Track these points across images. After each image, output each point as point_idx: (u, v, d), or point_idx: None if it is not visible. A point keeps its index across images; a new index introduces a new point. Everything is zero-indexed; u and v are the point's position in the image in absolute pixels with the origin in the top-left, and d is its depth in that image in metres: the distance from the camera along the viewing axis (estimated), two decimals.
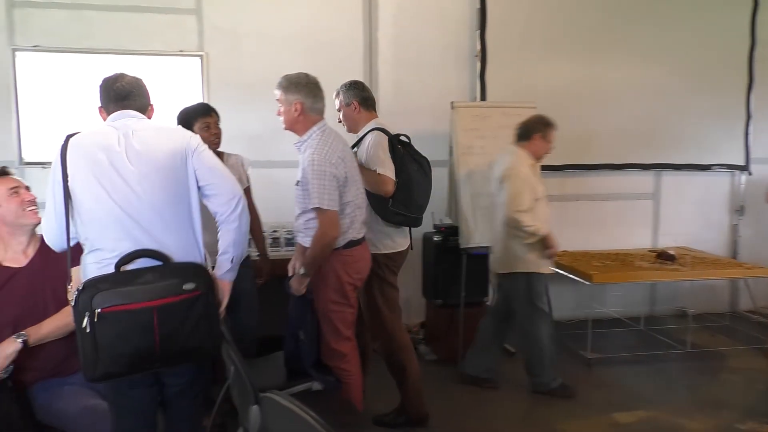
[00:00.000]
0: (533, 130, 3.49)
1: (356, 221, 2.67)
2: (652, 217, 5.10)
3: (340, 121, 3.11)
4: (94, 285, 1.78)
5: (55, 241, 1.94)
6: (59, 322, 2.15)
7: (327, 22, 4.33)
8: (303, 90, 2.57)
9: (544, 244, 3.41)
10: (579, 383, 3.61)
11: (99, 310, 1.76)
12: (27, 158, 3.97)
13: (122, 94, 2.03)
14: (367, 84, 4.36)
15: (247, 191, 3.07)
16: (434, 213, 4.25)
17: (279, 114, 2.63)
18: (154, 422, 2.10)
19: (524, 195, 3.36)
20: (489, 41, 4.55)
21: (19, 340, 2.07)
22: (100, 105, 2.10)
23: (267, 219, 3.40)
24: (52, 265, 2.16)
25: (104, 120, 2.06)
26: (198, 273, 1.90)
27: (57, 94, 3.98)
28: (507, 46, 4.61)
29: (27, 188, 2.25)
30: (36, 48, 3.92)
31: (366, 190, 2.81)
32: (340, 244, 2.62)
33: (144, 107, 2.06)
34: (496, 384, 3.66)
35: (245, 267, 3.00)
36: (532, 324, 3.48)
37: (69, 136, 1.93)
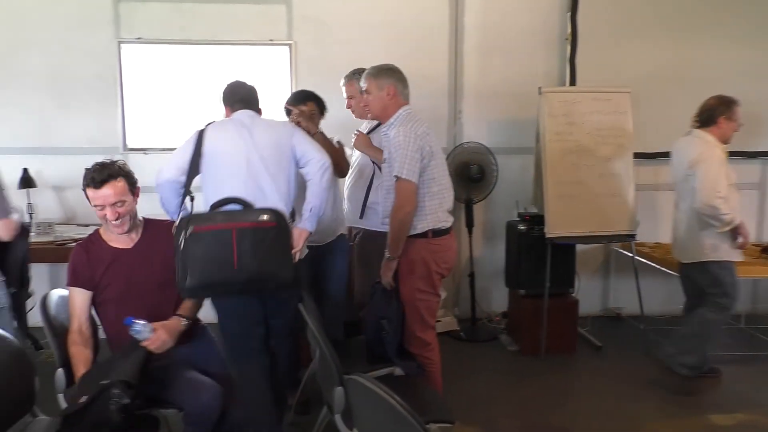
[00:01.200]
0: (717, 113, 3.31)
1: (444, 204, 2.69)
2: (757, 208, 4.75)
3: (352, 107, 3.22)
4: (191, 215, 2.29)
5: (170, 201, 2.41)
6: (194, 305, 2.37)
7: (413, 9, 4.32)
8: (394, 75, 2.67)
9: (735, 233, 3.25)
10: (672, 383, 3.44)
11: (191, 229, 2.21)
12: (130, 145, 4.24)
13: (246, 99, 2.62)
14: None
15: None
16: (519, 201, 4.16)
17: (365, 105, 2.69)
18: (266, 357, 2.52)
19: (721, 181, 3.20)
20: (580, 23, 4.37)
21: (184, 321, 2.26)
22: (226, 104, 2.66)
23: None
24: (155, 248, 2.33)
25: (228, 115, 2.61)
26: (274, 212, 2.32)
27: (158, 83, 4.21)
28: (599, 28, 4.41)
29: (121, 202, 2.24)
30: (139, 40, 4.15)
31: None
32: (429, 228, 2.63)
33: (258, 109, 2.64)
34: (718, 372, 3.52)
35: (341, 253, 3.09)
36: (717, 312, 3.31)
37: (208, 124, 2.51)
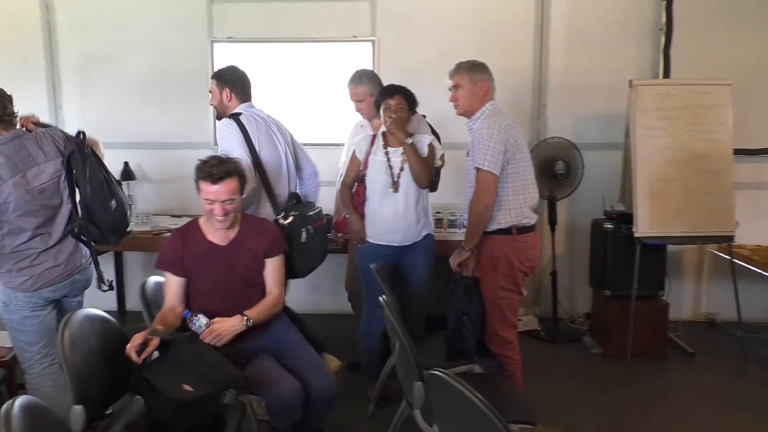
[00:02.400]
0: None
1: (528, 201, 2.65)
2: None
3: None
4: (305, 214, 2.76)
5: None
6: (267, 311, 2.39)
7: (498, 2, 4.24)
8: (486, 71, 2.69)
9: None
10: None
11: (310, 225, 2.74)
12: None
13: (250, 90, 2.96)
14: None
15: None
16: (605, 198, 4.01)
17: (455, 99, 2.67)
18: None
19: None
20: (676, 12, 4.14)
21: (245, 322, 2.29)
22: (233, 91, 2.92)
23: (434, 200, 3.43)
24: (247, 246, 2.41)
25: (231, 102, 2.92)
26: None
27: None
28: (696, 16, 4.16)
29: (231, 200, 2.30)
30: (230, 39, 4.32)
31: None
32: (512, 223, 2.60)
33: None
34: None
35: (424, 251, 3.09)
36: None
37: (234, 115, 2.85)
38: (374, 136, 3.05)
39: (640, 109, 3.69)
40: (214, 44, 4.33)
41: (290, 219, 2.68)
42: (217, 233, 2.40)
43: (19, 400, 1.44)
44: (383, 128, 3.01)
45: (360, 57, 4.29)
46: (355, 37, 4.28)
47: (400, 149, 2.95)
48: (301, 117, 4.24)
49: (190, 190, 3.67)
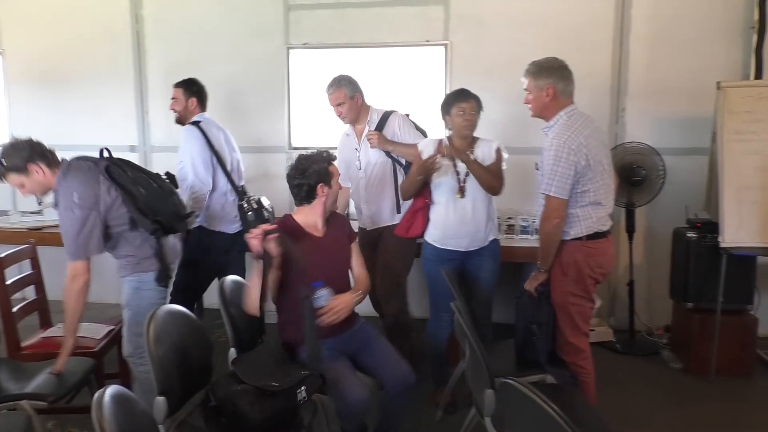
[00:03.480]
0: None
1: (601, 210, 2.54)
2: None
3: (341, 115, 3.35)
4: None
5: None
6: (365, 291, 2.55)
7: (575, 3, 4.14)
8: (554, 74, 2.54)
9: None
10: None
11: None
12: (294, 144, 4.54)
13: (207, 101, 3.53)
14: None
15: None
16: (688, 206, 3.82)
17: (527, 102, 2.61)
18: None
19: None
20: None
21: (357, 297, 2.45)
22: (196, 98, 3.53)
23: (502, 205, 3.39)
24: (338, 239, 2.55)
25: (195, 109, 3.54)
26: None
27: (320, 86, 4.45)
28: None
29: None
30: (305, 45, 4.43)
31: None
32: (583, 234, 2.51)
33: None
34: None
35: (491, 256, 3.06)
36: None
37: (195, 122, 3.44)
38: (440, 140, 3.04)
39: (728, 112, 3.50)
40: (290, 50, 4.45)
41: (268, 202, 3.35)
42: (311, 225, 2.49)
43: (110, 390, 1.52)
44: (447, 132, 3.03)
45: (432, 61, 4.29)
46: (427, 41, 4.28)
47: (468, 154, 2.94)
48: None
49: (264, 191, 3.80)
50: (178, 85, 3.55)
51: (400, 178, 3.28)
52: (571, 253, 2.53)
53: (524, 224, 3.79)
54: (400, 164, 3.31)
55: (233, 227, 3.49)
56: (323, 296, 2.31)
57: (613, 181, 2.65)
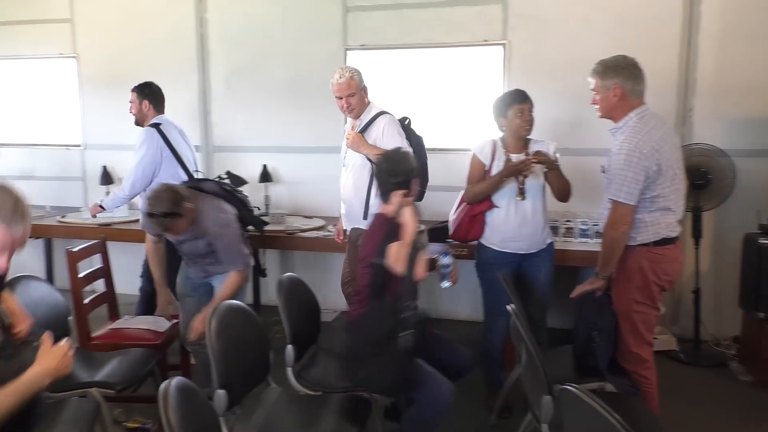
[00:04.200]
0: None
1: (670, 215, 2.44)
2: None
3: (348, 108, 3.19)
4: None
5: None
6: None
7: (639, 0, 4.00)
8: (622, 73, 2.44)
9: None
10: None
11: None
12: None
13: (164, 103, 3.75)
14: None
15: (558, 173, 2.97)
16: (760, 211, 3.64)
17: (594, 103, 2.54)
18: None
19: None
20: None
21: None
22: (151, 102, 3.78)
23: (559, 207, 3.32)
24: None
25: (149, 113, 3.79)
26: None
27: (377, 86, 4.47)
28: None
29: None
30: (363, 47, 4.46)
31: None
32: (650, 240, 2.42)
33: None
34: None
35: (548, 259, 3.02)
36: None
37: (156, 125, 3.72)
38: (494, 141, 3.01)
39: None
40: (348, 52, 4.49)
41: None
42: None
43: (175, 381, 1.58)
44: (502, 133, 3.00)
45: (490, 61, 4.24)
46: (485, 41, 4.23)
47: (522, 156, 2.93)
48: (432, 122, 4.28)
49: (322, 192, 3.83)
50: (133, 89, 3.80)
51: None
52: (637, 260, 2.44)
53: (584, 227, 3.70)
54: None
55: None
56: (449, 262, 2.69)
57: (684, 186, 2.54)
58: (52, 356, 1.64)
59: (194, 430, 1.59)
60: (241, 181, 4.10)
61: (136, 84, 3.83)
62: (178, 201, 2.66)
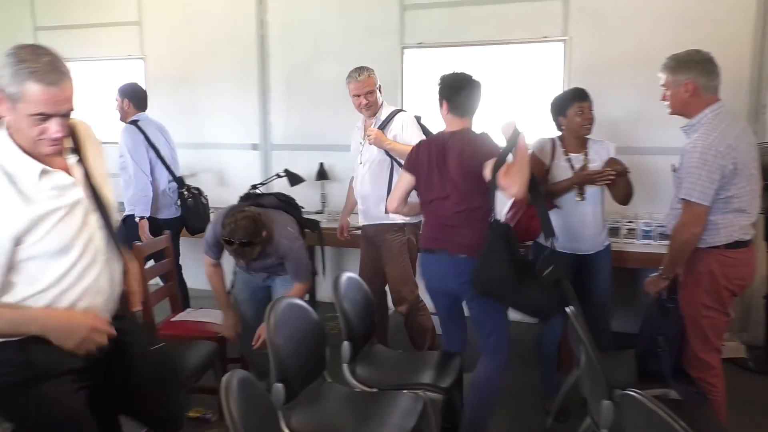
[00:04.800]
0: None
1: (742, 219, 2.34)
2: None
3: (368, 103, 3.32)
4: None
5: None
6: None
7: None
8: (695, 68, 2.34)
9: None
10: None
11: None
12: None
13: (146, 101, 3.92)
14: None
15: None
16: None
17: (664, 99, 2.45)
18: None
19: None
20: None
21: None
22: (132, 102, 3.99)
23: (621, 208, 3.22)
24: None
25: (130, 111, 3.97)
26: None
27: (433, 85, 4.46)
28: None
29: None
30: (420, 45, 4.46)
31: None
32: (721, 242, 2.33)
33: None
34: None
35: (607, 259, 2.96)
36: None
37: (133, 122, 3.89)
38: (553, 140, 2.97)
39: None
40: (404, 50, 4.49)
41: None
42: None
43: (236, 373, 1.63)
44: (558, 132, 2.96)
45: (550, 58, 4.16)
46: (545, 37, 4.15)
47: (581, 155, 2.88)
48: (490, 121, 4.24)
49: None
50: (118, 89, 4.05)
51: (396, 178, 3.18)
52: (707, 263, 2.35)
53: (646, 228, 3.58)
54: (400, 164, 3.15)
55: (172, 211, 3.98)
56: None
57: (759, 187, 2.41)
58: (85, 324, 1.56)
59: (253, 422, 1.63)
60: (299, 179, 4.19)
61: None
62: (257, 230, 2.69)
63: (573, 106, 2.84)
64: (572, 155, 2.92)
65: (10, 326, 1.52)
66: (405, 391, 2.34)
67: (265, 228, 2.75)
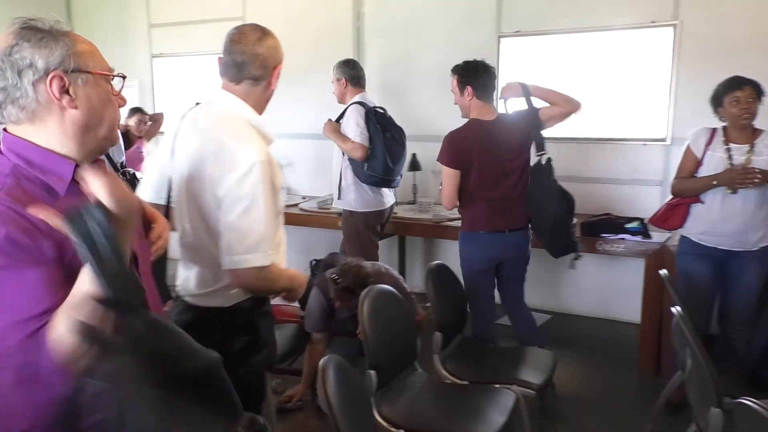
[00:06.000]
0: None
1: None
2: None
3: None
4: None
5: None
6: None
7: None
8: None
9: None
10: None
11: None
12: None
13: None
14: None
15: None
16: None
17: None
18: None
19: None
20: None
21: None
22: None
23: None
24: None
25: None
26: None
27: (530, 73, 4.35)
28: None
29: None
30: (517, 33, 4.35)
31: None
32: None
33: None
34: None
35: (757, 261, 2.77)
36: None
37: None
38: (714, 130, 2.80)
39: None
40: (501, 39, 4.40)
41: None
42: None
43: (332, 358, 1.68)
44: (723, 123, 2.78)
45: (657, 44, 3.92)
46: (653, 22, 3.92)
47: (746, 146, 2.70)
48: (593, 111, 4.09)
49: None
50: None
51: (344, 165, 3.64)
52: None
53: None
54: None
55: None
56: None
57: None
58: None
59: (347, 405, 1.67)
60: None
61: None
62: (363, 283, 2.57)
63: (728, 96, 2.69)
64: (733, 145, 2.73)
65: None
66: (497, 386, 2.31)
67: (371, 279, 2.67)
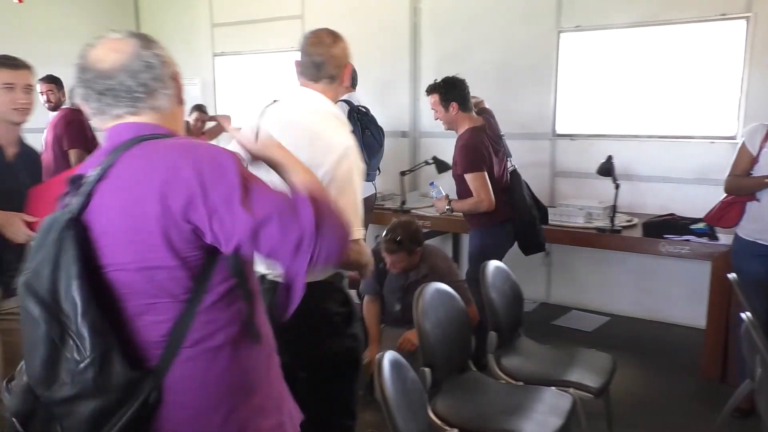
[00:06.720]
0: None
1: None
2: None
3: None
4: None
5: None
6: None
7: None
8: None
9: None
10: None
11: None
12: (559, 131, 4.39)
13: None
14: None
15: None
16: None
17: None
18: None
19: None
20: None
21: None
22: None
23: None
24: None
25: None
26: None
27: (592, 70, 4.25)
28: None
29: None
30: (578, 28, 4.25)
31: None
32: None
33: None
34: None
35: None
36: None
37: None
38: None
39: None
40: (561, 34, 4.31)
41: None
42: None
43: (389, 354, 1.69)
44: None
45: (727, 38, 3.75)
46: (723, 15, 3.75)
47: None
48: (656, 108, 3.96)
49: (528, 180, 3.74)
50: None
51: None
52: None
53: None
54: None
55: None
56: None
57: None
58: None
59: (402, 401, 1.68)
60: (447, 166, 4.20)
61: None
62: (416, 239, 2.89)
63: None
64: None
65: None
66: (553, 388, 2.28)
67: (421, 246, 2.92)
